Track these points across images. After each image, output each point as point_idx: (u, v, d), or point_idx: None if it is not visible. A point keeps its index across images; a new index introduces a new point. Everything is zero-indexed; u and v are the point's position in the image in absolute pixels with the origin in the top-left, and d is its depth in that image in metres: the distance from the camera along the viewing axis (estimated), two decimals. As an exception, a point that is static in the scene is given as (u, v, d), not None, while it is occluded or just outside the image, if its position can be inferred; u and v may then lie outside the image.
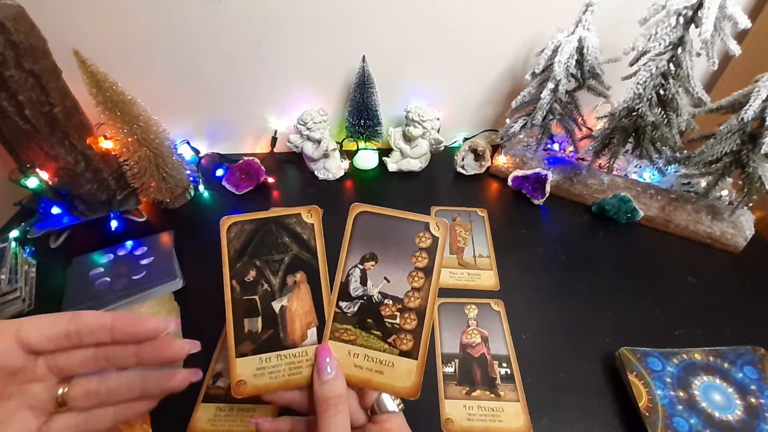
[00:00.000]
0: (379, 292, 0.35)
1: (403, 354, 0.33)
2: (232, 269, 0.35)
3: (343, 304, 0.35)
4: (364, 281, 0.35)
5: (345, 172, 0.77)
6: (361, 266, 0.35)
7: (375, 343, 0.34)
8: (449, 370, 0.48)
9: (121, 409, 0.30)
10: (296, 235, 0.36)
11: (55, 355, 0.28)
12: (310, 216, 0.37)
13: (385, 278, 0.35)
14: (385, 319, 0.34)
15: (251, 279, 0.35)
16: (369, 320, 0.34)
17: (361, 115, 0.72)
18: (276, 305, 0.35)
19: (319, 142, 0.72)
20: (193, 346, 0.31)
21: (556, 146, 0.75)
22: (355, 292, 0.35)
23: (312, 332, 0.34)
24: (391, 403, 0.33)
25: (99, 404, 0.30)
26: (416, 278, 0.35)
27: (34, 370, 0.28)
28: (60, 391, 0.29)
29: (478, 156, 0.77)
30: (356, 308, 0.35)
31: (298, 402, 0.33)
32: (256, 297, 0.35)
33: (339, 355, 0.34)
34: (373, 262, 0.35)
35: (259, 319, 0.34)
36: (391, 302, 0.35)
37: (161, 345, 0.29)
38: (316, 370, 0.32)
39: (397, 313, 0.34)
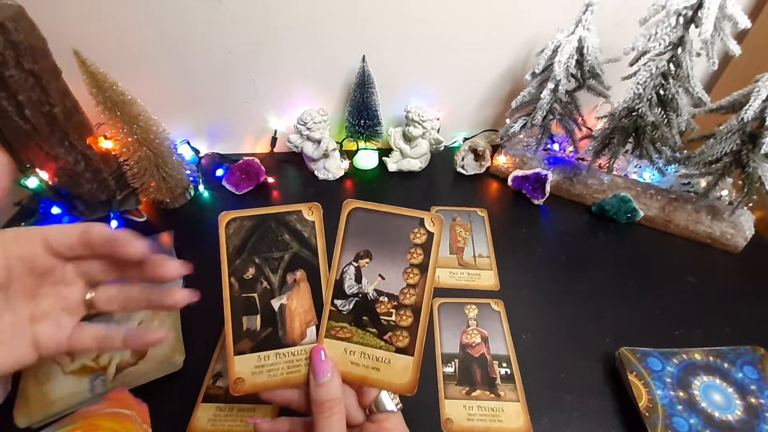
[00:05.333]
0: (375, 290, 0.35)
1: (399, 351, 0.33)
2: (231, 266, 0.35)
3: (338, 302, 0.35)
4: (358, 278, 0.35)
5: (345, 172, 0.77)
6: (355, 263, 0.35)
7: (371, 340, 0.34)
8: (449, 370, 0.48)
9: (135, 331, 0.35)
10: (297, 232, 0.36)
11: (80, 262, 0.33)
12: (311, 213, 0.36)
13: (380, 275, 0.35)
14: (381, 317, 0.34)
15: (250, 276, 0.35)
16: (365, 318, 0.34)
17: (361, 115, 0.72)
18: (275, 303, 0.35)
19: (319, 142, 0.72)
20: (185, 269, 0.34)
21: (556, 146, 0.75)
22: (350, 289, 0.35)
23: (311, 331, 0.34)
24: (389, 403, 0.33)
25: (118, 308, 0.35)
26: (411, 275, 0.35)
27: (63, 274, 0.32)
28: (88, 295, 0.34)
29: (478, 156, 0.77)
30: (351, 306, 0.35)
31: (297, 402, 0.33)
32: (255, 295, 0.35)
33: (335, 353, 0.33)
34: (367, 260, 0.35)
35: (258, 317, 0.34)
36: (386, 299, 0.34)
37: (156, 264, 0.33)
38: (311, 373, 0.32)
39: (393, 310, 0.34)
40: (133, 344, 0.35)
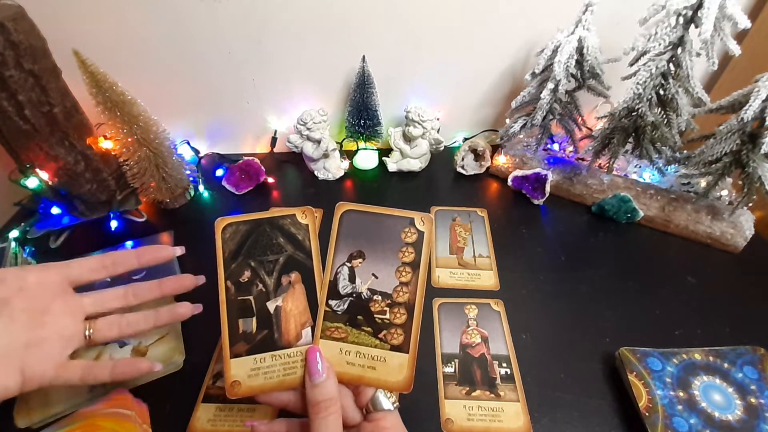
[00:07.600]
0: (368, 289, 0.35)
1: (394, 348, 0.34)
2: (227, 270, 0.35)
3: (332, 302, 0.35)
4: (352, 279, 0.35)
5: (345, 172, 0.77)
6: (348, 264, 0.36)
7: (366, 339, 0.34)
8: (449, 370, 0.48)
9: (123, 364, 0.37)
10: (291, 235, 0.36)
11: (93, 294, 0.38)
12: (305, 217, 0.37)
13: (373, 275, 0.35)
14: (375, 315, 0.35)
15: (246, 279, 0.35)
16: (359, 317, 0.35)
17: (361, 115, 0.72)
18: (271, 305, 0.35)
19: (319, 142, 0.72)
20: (199, 280, 0.41)
21: (556, 146, 0.75)
22: (344, 290, 0.35)
23: (307, 332, 0.34)
24: (386, 402, 0.33)
25: (117, 335, 0.38)
26: (404, 273, 0.35)
27: (71, 303, 0.36)
28: (87, 331, 0.36)
29: (478, 156, 0.77)
30: (346, 306, 0.35)
31: (294, 403, 0.33)
32: (251, 297, 0.35)
33: (331, 354, 0.34)
34: (360, 260, 0.36)
35: (254, 319, 0.35)
36: (380, 298, 0.35)
37: (179, 280, 0.40)
38: (307, 373, 0.32)
39: (387, 309, 0.35)
40: (121, 376, 0.36)
